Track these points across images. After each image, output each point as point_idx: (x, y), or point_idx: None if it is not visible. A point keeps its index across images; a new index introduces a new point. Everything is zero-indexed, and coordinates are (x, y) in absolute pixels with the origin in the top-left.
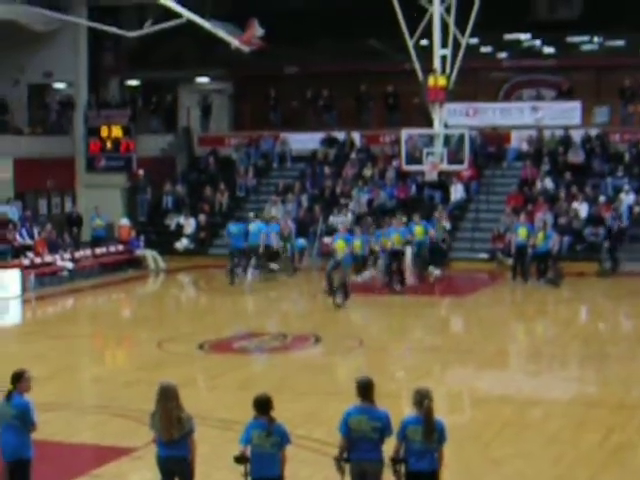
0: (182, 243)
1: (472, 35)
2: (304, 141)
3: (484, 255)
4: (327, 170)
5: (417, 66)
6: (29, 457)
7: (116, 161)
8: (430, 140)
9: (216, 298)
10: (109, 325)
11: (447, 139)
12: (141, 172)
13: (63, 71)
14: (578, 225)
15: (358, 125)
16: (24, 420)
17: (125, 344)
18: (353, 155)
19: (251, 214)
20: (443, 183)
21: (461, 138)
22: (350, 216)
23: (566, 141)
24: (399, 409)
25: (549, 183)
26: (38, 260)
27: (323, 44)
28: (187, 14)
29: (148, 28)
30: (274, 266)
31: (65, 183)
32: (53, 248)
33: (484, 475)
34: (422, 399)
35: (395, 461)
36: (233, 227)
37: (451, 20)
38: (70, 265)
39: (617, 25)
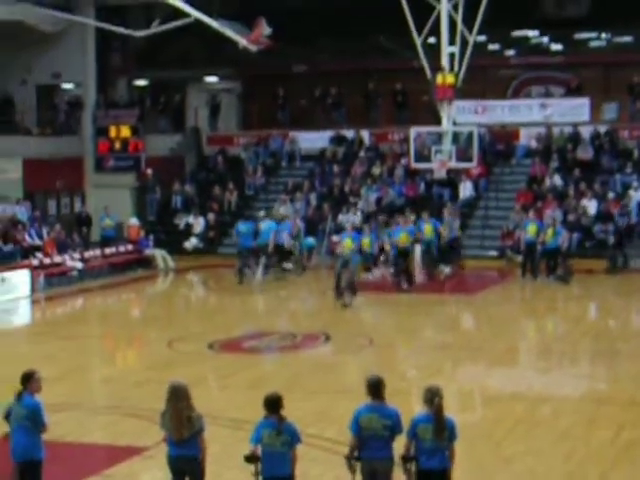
0: (191, 242)
1: (480, 32)
2: (313, 140)
3: (493, 252)
4: (336, 168)
5: (425, 64)
6: (40, 458)
7: (125, 161)
8: (439, 138)
9: (226, 297)
10: (119, 325)
11: (456, 137)
12: (150, 172)
13: (71, 71)
14: (587, 222)
15: (367, 123)
16: (35, 421)
17: (135, 344)
18: (362, 153)
19: (261, 213)
20: (452, 181)
21: (470, 136)
22: (359, 214)
23: (575, 138)
24: (409, 407)
25: (558, 180)
26: (47, 260)
27: (331, 42)
28: (195, 13)
29: (156, 28)
30: (288, 265)
31: (74, 183)
32: (62, 248)
33: (495, 473)
34: (432, 397)
35: (406, 459)
36: (242, 226)
37: (459, 17)
38: (79, 265)
39: (625, 21)
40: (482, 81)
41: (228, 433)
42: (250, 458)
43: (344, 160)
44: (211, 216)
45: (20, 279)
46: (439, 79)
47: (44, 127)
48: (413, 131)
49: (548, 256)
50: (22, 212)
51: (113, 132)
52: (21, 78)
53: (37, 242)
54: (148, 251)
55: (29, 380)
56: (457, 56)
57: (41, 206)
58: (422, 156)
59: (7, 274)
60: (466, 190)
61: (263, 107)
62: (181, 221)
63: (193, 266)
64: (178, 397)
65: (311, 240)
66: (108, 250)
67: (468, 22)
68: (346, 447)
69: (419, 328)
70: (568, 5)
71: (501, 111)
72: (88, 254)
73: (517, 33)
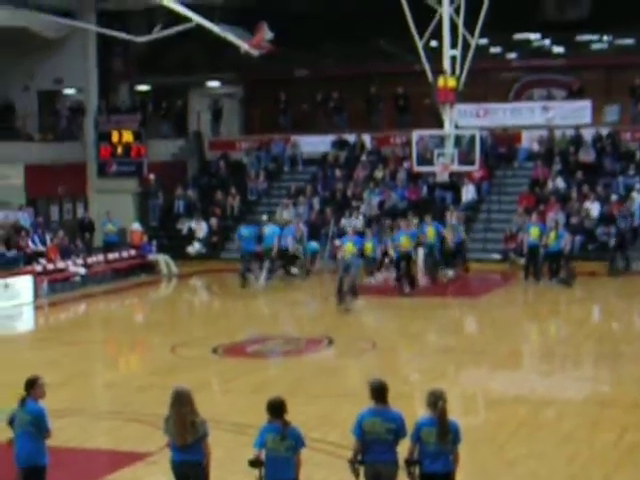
0: (194, 247)
1: (481, 35)
2: (315, 144)
3: (496, 255)
4: (338, 173)
5: (427, 67)
6: (44, 464)
7: (127, 166)
8: (441, 141)
9: (229, 302)
10: (122, 330)
11: (458, 140)
12: (152, 177)
13: (73, 77)
14: (590, 224)
15: (368, 127)
16: (39, 426)
17: (138, 349)
18: (364, 157)
19: (264, 217)
20: (454, 184)
21: (472, 139)
22: (361, 218)
23: (577, 140)
24: (413, 410)
25: (560, 183)
26: (50, 266)
27: (332, 46)
28: (196, 18)
29: (157, 33)
30: (294, 270)
31: (76, 189)
32: (65, 254)
33: (498, 476)
34: (436, 400)
35: (409, 463)
36: (244, 230)
37: (460, 21)
38: (82, 271)
39: (626, 24)
40: (484, 84)
41: (232, 438)
42: (254, 463)
43: (346, 164)
44: (214, 221)
45: (23, 285)
46: (441, 82)
47: (46, 133)
48: (415, 134)
49: (551, 259)
50: (25, 218)
51: (115, 137)
52: (23, 84)
53: (40, 248)
54: (151, 256)
55: (33, 386)
56: (459, 59)
57: (44, 212)
58: (424, 159)
59: (10, 280)
60: (468, 193)
61: (265, 112)
62: (184, 226)
63: (196, 271)
64: (182, 402)
65: (314, 244)
66: (111, 256)
67: (469, 25)
68: (350, 451)
69: (422, 332)
70: (569, 8)
71: (503, 114)
72: (91, 260)
73: (518, 36)
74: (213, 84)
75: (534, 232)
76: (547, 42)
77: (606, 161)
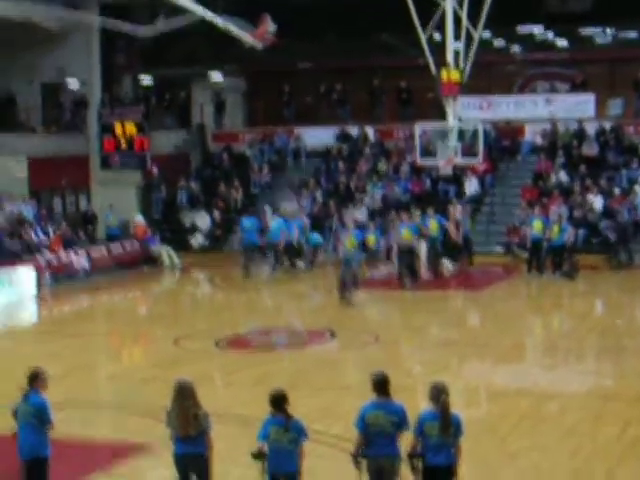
0: (197, 240)
1: (485, 28)
2: (318, 137)
3: (499, 248)
4: (341, 165)
5: (430, 60)
6: (46, 455)
7: (130, 158)
8: (444, 134)
9: (231, 294)
10: (125, 322)
11: (461, 133)
12: (155, 169)
13: (76, 69)
14: (593, 218)
15: (371, 120)
16: (41, 419)
17: (141, 341)
18: (367, 150)
19: (266, 208)
20: (458, 177)
21: (475, 132)
22: (364, 211)
23: (580, 134)
24: (415, 403)
25: (564, 176)
26: (53, 258)
27: (336, 39)
28: (199, 11)
29: (160, 26)
30: (300, 264)
31: (80, 181)
32: (68, 246)
33: (501, 469)
34: (439, 394)
35: (412, 456)
36: (246, 221)
37: (464, 14)
38: (86, 263)
39: (630, 17)
40: (487, 77)
41: (234, 430)
42: (257, 455)
43: (349, 157)
44: (217, 213)
45: (26, 277)
46: (444, 75)
47: (49, 125)
48: (418, 127)
49: (554, 252)
50: (28, 210)
51: (119, 129)
52: (26, 77)
53: (43, 240)
54: (154, 248)
55: (36, 378)
56: (462, 52)
57: (47, 204)
58: (427, 152)
59: (13, 272)
60: (472, 186)
61: (268, 104)
62: (187, 218)
63: (199, 263)
64: (184, 395)
65: (317, 237)
66: (114, 248)
67: (473, 18)
68: (352, 444)
69: (425, 325)
70: (572, 0)
71: (506, 107)
72: (94, 252)
73: (522, 29)
74: (216, 76)
75: (537, 225)
76: (550, 35)
77: (609, 155)
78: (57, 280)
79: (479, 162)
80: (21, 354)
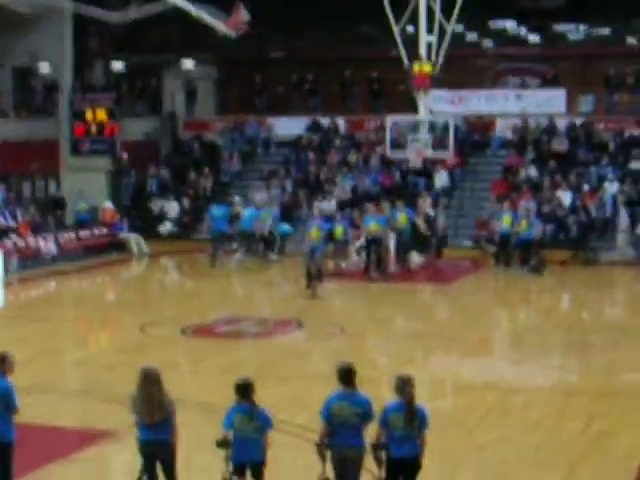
0: (166, 227)
1: (458, 22)
2: (289, 126)
3: (468, 242)
4: (312, 156)
5: (403, 52)
6: (10, 440)
7: (100, 144)
8: (415, 127)
9: (199, 282)
10: (92, 308)
11: (432, 126)
12: (125, 156)
13: (48, 54)
14: (562, 213)
15: (343, 111)
16: (6, 403)
17: (108, 327)
18: (337, 141)
19: (236, 197)
20: (427, 170)
21: (446, 125)
22: (334, 202)
23: (551, 129)
24: (381, 395)
25: (533, 171)
26: (21, 243)
27: (308, 29)
28: None
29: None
30: (272, 256)
31: (49, 166)
32: (36, 231)
33: (467, 460)
34: (404, 386)
35: (376, 447)
36: (216, 210)
37: (437, 7)
38: (54, 248)
39: (602, 14)
40: (459, 71)
41: (199, 418)
42: (221, 443)
43: (320, 147)
44: (186, 201)
45: None
46: (416, 68)
47: (20, 110)
48: (389, 120)
49: (522, 247)
50: None
51: (89, 115)
52: None
53: (11, 224)
54: (122, 235)
55: (2, 362)
56: (434, 45)
57: (16, 188)
58: (398, 145)
59: None
60: (441, 180)
61: (240, 93)
62: (156, 206)
63: (167, 251)
64: (150, 381)
65: (286, 227)
66: (82, 233)
67: (446, 12)
68: (317, 433)
69: (391, 317)
70: None
71: (477, 101)
72: (62, 237)
73: (494, 24)
74: (187, 64)
75: (506, 220)
76: (523, 30)
77: (579, 151)
78: (25, 265)
79: (449, 156)
80: None
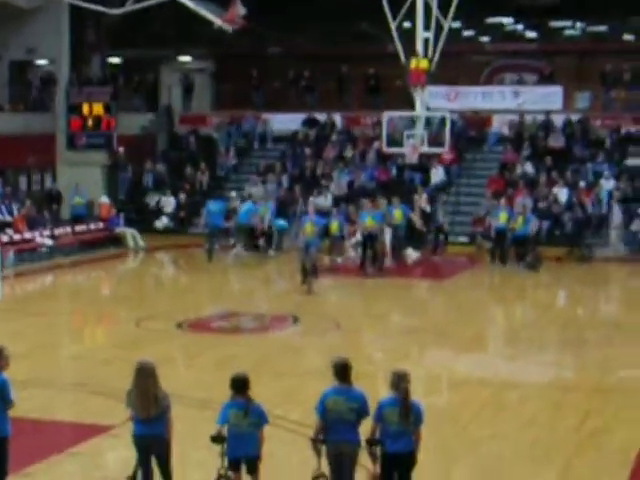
0: (162, 222)
1: (455, 18)
2: (285, 122)
3: (464, 238)
4: (308, 151)
5: (400, 48)
6: (6, 434)
7: (97, 138)
8: (411, 123)
9: (195, 277)
10: (88, 303)
11: (428, 122)
12: (122, 150)
13: (45, 48)
14: (557, 210)
15: (339, 106)
16: (2, 397)
17: (104, 322)
18: (334, 136)
19: (232, 193)
20: (424, 166)
21: (442, 121)
22: (329, 197)
23: (547, 126)
24: (376, 390)
25: (529, 167)
26: (17, 237)
27: (306, 25)
28: None
29: (130, 6)
30: (270, 252)
31: (46, 160)
32: (33, 225)
33: (462, 456)
34: (399, 381)
35: (371, 442)
36: (212, 205)
37: (434, 3)
38: (50, 242)
39: (599, 11)
40: (456, 67)
41: (194, 413)
42: (216, 438)
43: (316, 143)
44: (182, 196)
45: None
46: (413, 64)
47: (16, 103)
48: (386, 115)
49: (518, 243)
50: None
51: (86, 109)
52: None
53: (7, 218)
54: (118, 229)
55: None
56: (431, 41)
57: (12, 182)
58: (394, 141)
59: None
60: (437, 175)
61: (237, 88)
62: (152, 200)
63: (163, 245)
64: (145, 376)
65: (282, 222)
66: (78, 228)
67: (443, 8)
68: (312, 429)
69: (387, 312)
70: None
71: (474, 97)
72: (58, 231)
73: (491, 20)
74: (184, 58)
75: (502, 216)
76: (520, 27)
77: (575, 147)
78: (21, 259)
79: (445, 151)
80: None
